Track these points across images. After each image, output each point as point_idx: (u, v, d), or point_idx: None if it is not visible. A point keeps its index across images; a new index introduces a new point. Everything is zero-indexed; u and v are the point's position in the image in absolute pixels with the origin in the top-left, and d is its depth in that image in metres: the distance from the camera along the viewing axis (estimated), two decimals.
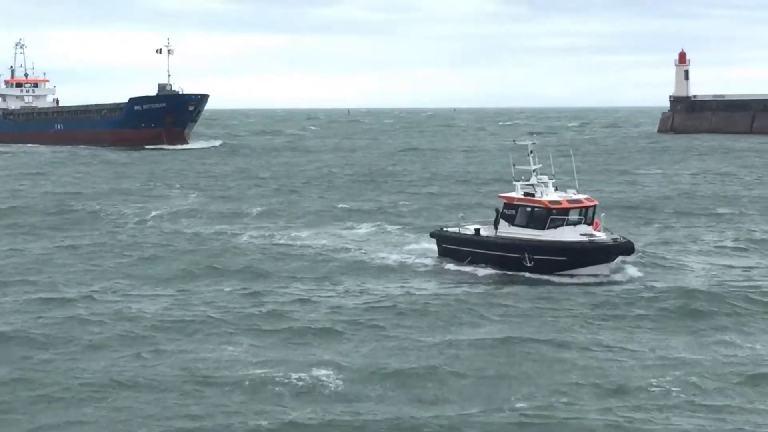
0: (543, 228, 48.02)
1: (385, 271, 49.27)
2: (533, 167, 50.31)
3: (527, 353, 34.12)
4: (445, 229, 53.25)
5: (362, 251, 54.31)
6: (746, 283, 45.40)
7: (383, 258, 52.22)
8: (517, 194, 49.83)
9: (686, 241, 57.74)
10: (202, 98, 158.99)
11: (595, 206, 49.02)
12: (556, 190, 49.91)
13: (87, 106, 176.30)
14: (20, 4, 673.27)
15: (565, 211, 47.97)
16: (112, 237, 60.04)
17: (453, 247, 51.23)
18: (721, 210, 71.64)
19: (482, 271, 48.39)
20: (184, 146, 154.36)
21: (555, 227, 47.82)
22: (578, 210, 48.30)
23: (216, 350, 34.40)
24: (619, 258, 47.61)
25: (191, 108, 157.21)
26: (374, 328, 37.80)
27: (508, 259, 48.47)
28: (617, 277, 46.88)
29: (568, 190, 50.04)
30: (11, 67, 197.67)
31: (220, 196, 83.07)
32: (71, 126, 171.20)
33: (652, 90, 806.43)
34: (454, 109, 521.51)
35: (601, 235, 47.99)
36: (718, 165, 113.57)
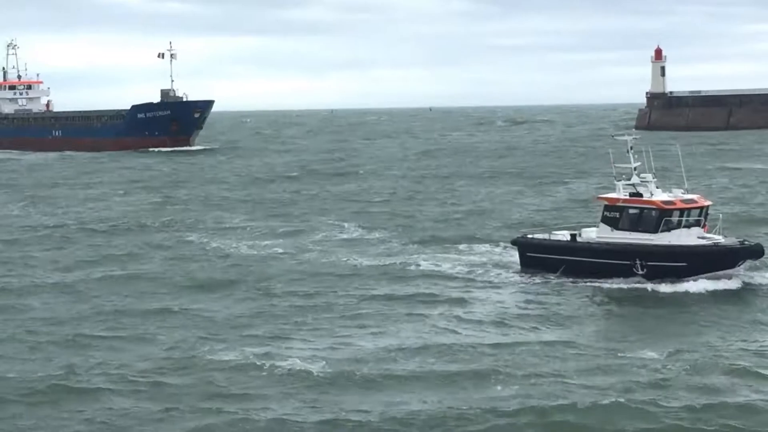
0: (655, 231, 42.04)
1: (466, 285, 42.48)
2: (633, 165, 44.23)
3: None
4: (530, 236, 46.95)
5: (423, 263, 47.27)
6: None
7: (454, 270, 45.50)
8: (621, 195, 43.73)
9: None
10: (208, 104, 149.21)
11: (708, 207, 43.06)
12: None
13: (87, 112, 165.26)
14: (7, 8, 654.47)
15: (680, 212, 42.00)
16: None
17: (542, 256, 44.68)
18: None
19: (581, 281, 42.27)
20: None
21: (669, 230, 41.88)
22: (693, 210, 42.28)
23: None
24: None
25: (197, 115, 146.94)
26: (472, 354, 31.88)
27: (615, 266, 42.31)
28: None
29: (674, 190, 44.01)
30: (3, 68, 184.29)
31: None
32: (70, 133, 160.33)
33: (626, 87, 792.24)
34: (430, 108, 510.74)
35: (719, 238, 42.02)
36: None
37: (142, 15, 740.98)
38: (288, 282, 43.51)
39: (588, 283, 41.96)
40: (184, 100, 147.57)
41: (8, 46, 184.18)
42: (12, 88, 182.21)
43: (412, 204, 72.29)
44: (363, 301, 39.57)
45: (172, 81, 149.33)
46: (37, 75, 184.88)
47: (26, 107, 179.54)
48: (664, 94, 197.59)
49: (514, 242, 46.59)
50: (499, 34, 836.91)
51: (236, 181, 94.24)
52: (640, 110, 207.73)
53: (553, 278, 43.08)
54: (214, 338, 33.84)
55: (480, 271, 45.17)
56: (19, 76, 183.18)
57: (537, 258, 44.69)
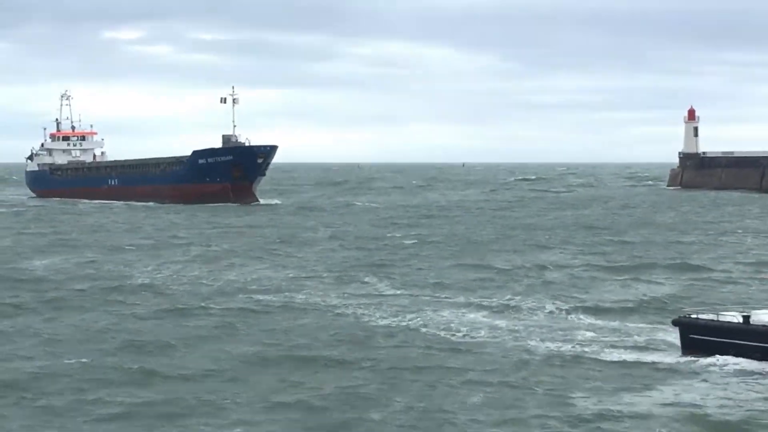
0: None
1: (622, 371, 35.13)
2: None
3: None
4: (695, 316, 40.26)
5: (552, 344, 39.05)
6: None
7: (602, 353, 37.80)
8: None
9: None
10: (272, 150, 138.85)
11: None
12: None
13: (144, 159, 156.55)
14: (62, 59, 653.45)
15: None
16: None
17: (709, 339, 38.35)
18: None
19: (756, 370, 35.77)
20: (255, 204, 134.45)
21: None
22: None
23: None
24: None
25: (260, 160, 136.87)
26: None
27: None
28: None
29: None
30: (57, 119, 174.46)
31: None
32: (127, 181, 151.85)
33: (656, 146, 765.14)
34: (463, 164, 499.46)
35: None
36: None
37: (177, 66, 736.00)
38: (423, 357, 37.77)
39: (765, 372, 35.85)
40: (248, 145, 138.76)
41: (62, 96, 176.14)
42: (66, 138, 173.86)
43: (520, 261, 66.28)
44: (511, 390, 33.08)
45: (234, 126, 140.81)
46: (91, 126, 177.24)
47: (80, 158, 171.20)
48: (696, 154, 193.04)
49: (676, 322, 40.22)
50: (528, 92, 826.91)
51: None
52: (672, 170, 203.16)
53: (722, 364, 36.74)
54: None
55: (635, 355, 38.13)
56: (73, 127, 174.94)
57: (703, 341, 38.45)
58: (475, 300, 48.58)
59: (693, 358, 37.25)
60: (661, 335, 41.25)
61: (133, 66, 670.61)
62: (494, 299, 49.16)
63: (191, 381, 33.08)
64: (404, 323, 42.85)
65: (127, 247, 75.12)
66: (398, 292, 51.45)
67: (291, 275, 58.09)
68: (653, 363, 36.77)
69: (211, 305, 47.37)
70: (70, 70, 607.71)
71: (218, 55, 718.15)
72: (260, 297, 49.94)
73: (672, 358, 37.67)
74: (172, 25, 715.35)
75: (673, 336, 40.08)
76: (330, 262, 64.76)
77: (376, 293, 50.90)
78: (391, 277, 56.85)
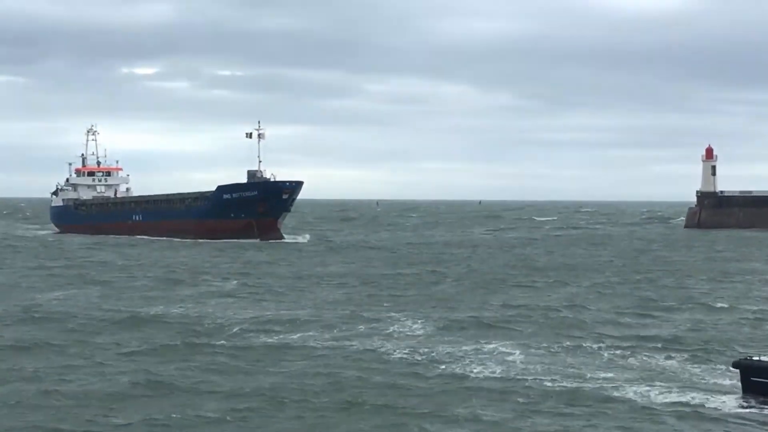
0: None
1: (678, 418, 32.60)
2: None
3: None
4: (756, 357, 36.79)
5: (577, 383, 36.91)
6: None
7: (658, 398, 35.24)
8: None
9: None
10: (297, 185, 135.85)
11: None
12: None
13: (169, 195, 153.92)
14: (79, 95, 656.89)
15: None
16: None
17: None
18: None
19: None
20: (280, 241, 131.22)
21: None
22: None
23: None
24: None
25: (285, 196, 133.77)
26: None
27: None
28: None
29: None
30: (82, 154, 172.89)
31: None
32: (151, 217, 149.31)
33: (674, 185, 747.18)
34: (480, 202, 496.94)
35: None
36: None
37: (195, 101, 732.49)
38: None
39: None
40: (273, 180, 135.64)
41: (88, 131, 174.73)
42: (91, 174, 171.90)
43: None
44: None
45: (260, 161, 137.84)
46: (117, 161, 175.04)
47: (105, 194, 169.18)
48: (714, 193, 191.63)
49: (737, 365, 37.62)
50: (543, 130, 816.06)
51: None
52: (690, 209, 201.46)
53: None
54: None
55: (691, 399, 35.63)
56: (98, 162, 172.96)
57: (765, 384, 36.47)
58: (492, 336, 47.13)
59: (755, 402, 34.84)
60: (698, 377, 39.24)
61: (150, 101, 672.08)
62: (512, 335, 47.63)
63: (202, 420, 31.92)
64: (420, 360, 41.41)
65: (142, 282, 74.21)
66: (414, 327, 50.17)
67: (307, 311, 56.71)
68: (714, 407, 34.36)
69: (225, 342, 46.08)
70: (88, 105, 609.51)
71: (236, 91, 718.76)
72: (275, 333, 48.58)
73: (732, 401, 35.23)
74: (189, 61, 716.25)
75: (714, 375, 38.95)
76: (346, 298, 63.51)
77: (392, 329, 49.56)
78: (407, 313, 55.51)
